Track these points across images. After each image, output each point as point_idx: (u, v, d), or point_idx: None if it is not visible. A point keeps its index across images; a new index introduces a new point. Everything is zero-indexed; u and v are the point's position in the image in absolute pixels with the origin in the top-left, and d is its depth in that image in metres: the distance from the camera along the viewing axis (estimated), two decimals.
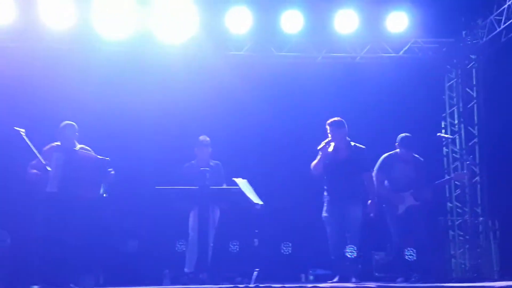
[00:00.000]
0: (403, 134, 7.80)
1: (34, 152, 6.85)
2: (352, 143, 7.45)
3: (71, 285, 6.63)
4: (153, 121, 9.00)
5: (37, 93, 8.71)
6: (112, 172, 7.11)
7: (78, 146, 7.13)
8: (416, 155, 7.82)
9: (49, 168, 6.80)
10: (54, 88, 8.69)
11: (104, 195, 6.95)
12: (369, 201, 7.35)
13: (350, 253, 7.09)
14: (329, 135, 7.37)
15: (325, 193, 7.44)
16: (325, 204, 7.41)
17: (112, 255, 8.33)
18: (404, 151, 7.72)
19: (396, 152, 7.79)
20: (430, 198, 7.76)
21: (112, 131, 8.84)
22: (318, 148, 7.34)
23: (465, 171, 8.96)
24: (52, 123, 7.34)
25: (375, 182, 7.46)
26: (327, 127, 7.39)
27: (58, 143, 7.11)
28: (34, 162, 6.95)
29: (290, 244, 8.38)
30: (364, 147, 7.48)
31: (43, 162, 6.83)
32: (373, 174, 7.65)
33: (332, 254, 7.32)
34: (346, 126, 7.44)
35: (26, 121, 7.39)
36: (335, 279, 7.17)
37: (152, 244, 8.55)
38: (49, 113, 8.19)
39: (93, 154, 7.13)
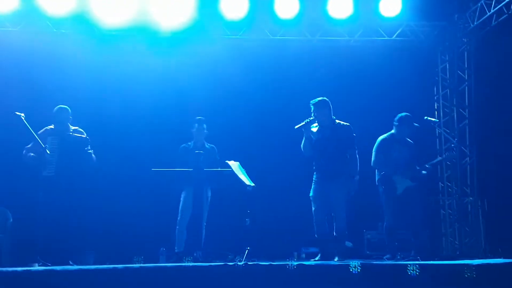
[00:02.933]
0: (403, 113, 7.91)
1: (34, 135, 7.06)
2: (337, 121, 7.47)
3: (70, 262, 6.87)
4: (150, 104, 9.20)
5: (36, 76, 8.93)
6: (90, 151, 7.26)
7: (72, 128, 7.31)
8: (407, 138, 7.99)
9: (48, 151, 7.03)
10: (53, 71, 8.94)
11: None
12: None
13: (334, 232, 7.28)
14: (312, 114, 7.42)
15: (314, 173, 7.55)
16: (312, 183, 7.51)
17: (109, 233, 8.62)
18: (402, 130, 7.84)
19: (392, 134, 7.93)
20: (425, 179, 7.97)
21: (111, 114, 9.07)
22: (296, 127, 7.39)
23: (453, 152, 9.11)
24: (51, 106, 7.50)
25: (358, 161, 7.44)
26: (311, 106, 7.43)
27: (52, 126, 7.30)
28: (29, 145, 7.17)
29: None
30: (348, 124, 7.47)
31: (43, 145, 7.04)
32: (373, 155, 7.82)
33: (316, 233, 7.43)
34: (330, 105, 7.46)
35: (26, 104, 7.63)
36: (317, 258, 7.34)
37: (148, 224, 8.82)
38: (48, 96, 8.40)
39: (85, 136, 7.31)
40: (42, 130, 7.25)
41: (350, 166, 7.36)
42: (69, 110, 7.34)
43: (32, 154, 7.14)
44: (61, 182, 6.99)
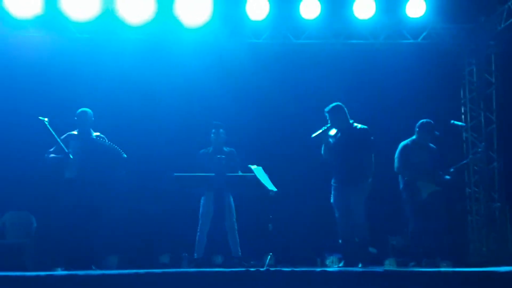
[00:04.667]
0: (424, 120, 7.84)
1: (57, 140, 7.08)
2: (355, 124, 7.31)
3: (93, 266, 6.88)
4: (172, 108, 9.19)
5: (61, 82, 8.98)
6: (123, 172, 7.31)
7: (94, 134, 7.34)
8: (430, 144, 7.89)
9: (71, 156, 7.05)
10: (76, 76, 8.98)
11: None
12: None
13: (356, 238, 7.18)
14: (328, 122, 7.30)
15: (332, 178, 7.42)
16: (332, 189, 7.38)
17: (132, 238, 8.62)
18: (423, 136, 7.77)
19: (413, 139, 7.88)
20: (450, 183, 7.86)
21: (134, 118, 9.13)
22: (313, 136, 7.26)
23: (478, 154, 8.95)
24: (74, 111, 7.48)
25: (373, 164, 7.28)
26: (325, 114, 7.31)
27: (75, 132, 7.32)
28: (51, 149, 7.20)
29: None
30: (366, 127, 7.29)
31: (66, 150, 7.06)
32: (395, 161, 7.77)
33: (340, 239, 7.31)
34: (344, 109, 7.29)
35: (49, 109, 7.66)
36: (341, 264, 7.24)
37: (171, 229, 8.80)
38: (71, 101, 8.38)
39: (107, 142, 7.31)
40: (65, 135, 7.28)
41: (366, 169, 7.22)
42: (91, 113, 7.34)
43: (53, 155, 7.16)
44: (83, 184, 7.00)
